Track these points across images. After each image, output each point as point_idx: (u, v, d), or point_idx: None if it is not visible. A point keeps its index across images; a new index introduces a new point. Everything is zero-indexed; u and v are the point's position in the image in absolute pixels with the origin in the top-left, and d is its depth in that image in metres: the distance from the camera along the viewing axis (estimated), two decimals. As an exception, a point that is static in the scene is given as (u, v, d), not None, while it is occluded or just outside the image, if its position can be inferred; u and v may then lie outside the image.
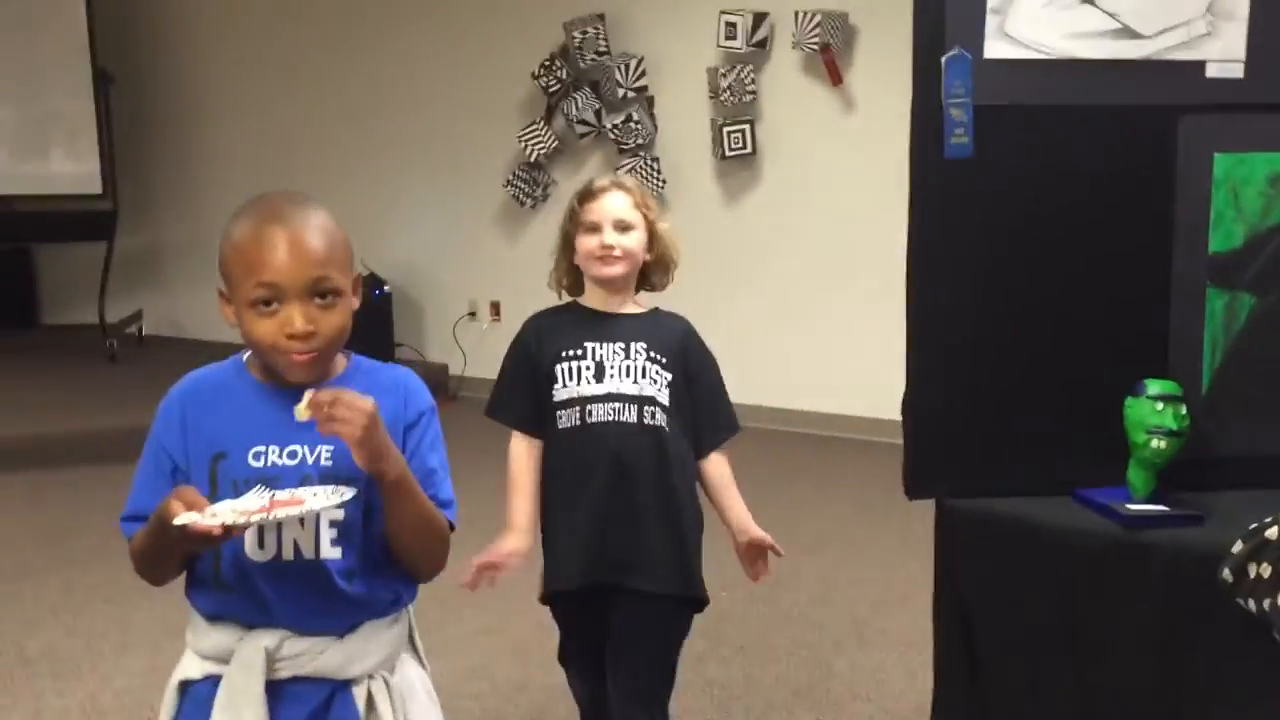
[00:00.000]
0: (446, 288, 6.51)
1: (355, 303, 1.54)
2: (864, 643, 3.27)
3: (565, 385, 2.13)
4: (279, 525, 1.47)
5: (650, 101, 5.72)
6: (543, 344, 2.17)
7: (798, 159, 5.47)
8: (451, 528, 1.58)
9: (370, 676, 1.55)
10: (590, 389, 2.12)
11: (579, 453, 2.13)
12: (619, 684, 2.17)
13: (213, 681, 1.51)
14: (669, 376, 2.15)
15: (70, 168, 6.86)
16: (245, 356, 1.58)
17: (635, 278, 2.20)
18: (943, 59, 1.90)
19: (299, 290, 1.44)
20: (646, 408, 2.12)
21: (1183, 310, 1.99)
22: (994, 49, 1.91)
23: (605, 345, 2.14)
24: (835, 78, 5.27)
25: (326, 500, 1.42)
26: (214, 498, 1.45)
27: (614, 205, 2.16)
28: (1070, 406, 1.97)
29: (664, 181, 5.66)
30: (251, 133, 6.98)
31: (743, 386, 6.03)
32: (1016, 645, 1.95)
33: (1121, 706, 1.87)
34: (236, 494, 1.45)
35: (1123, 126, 1.95)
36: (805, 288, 5.52)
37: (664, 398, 2.13)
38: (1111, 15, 1.93)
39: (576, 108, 5.78)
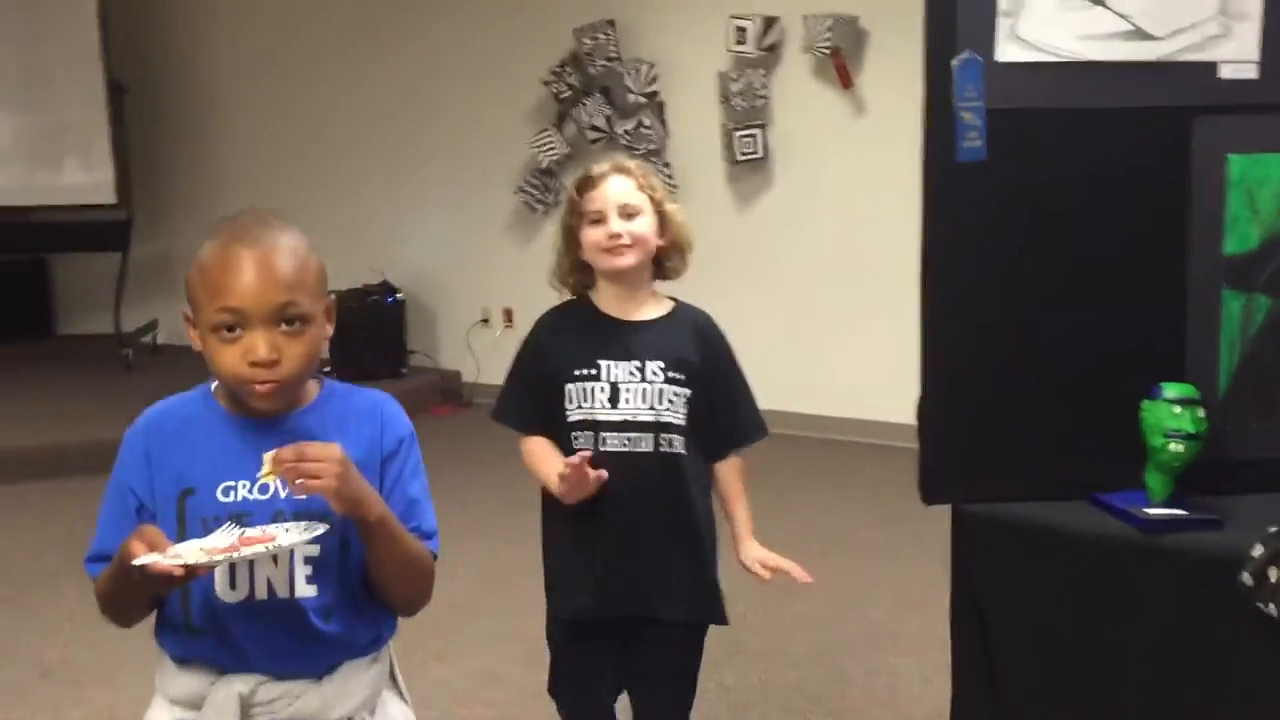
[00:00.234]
0: (459, 294, 6.52)
1: (328, 330, 1.47)
2: (880, 648, 3.26)
3: (579, 406, 2.03)
4: (251, 564, 1.40)
5: (661, 107, 5.72)
6: (554, 351, 2.07)
7: (809, 163, 5.47)
8: (435, 558, 1.52)
9: (351, 719, 1.49)
10: (604, 413, 2.02)
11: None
12: (646, 711, 2.14)
13: None
14: (688, 393, 2.04)
15: (84, 178, 6.88)
16: (213, 386, 1.51)
17: (649, 267, 2.08)
18: (954, 62, 1.89)
19: (264, 316, 1.38)
20: (663, 435, 2.03)
21: (1199, 313, 1.97)
22: (1005, 52, 1.90)
23: (620, 365, 2.03)
24: (846, 82, 5.27)
25: (298, 536, 1.36)
26: (182, 536, 1.39)
27: (617, 190, 2.03)
28: (1087, 410, 1.96)
29: (675, 187, 5.65)
30: (264, 141, 7.01)
31: (755, 391, 6.03)
32: (1034, 650, 1.94)
33: (1139, 711, 1.85)
34: (206, 532, 1.39)
35: (1136, 129, 1.94)
36: (817, 291, 5.51)
37: (681, 418, 2.04)
38: (1124, 17, 1.92)
39: (587, 114, 5.79)
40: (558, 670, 2.17)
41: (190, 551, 1.32)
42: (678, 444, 2.04)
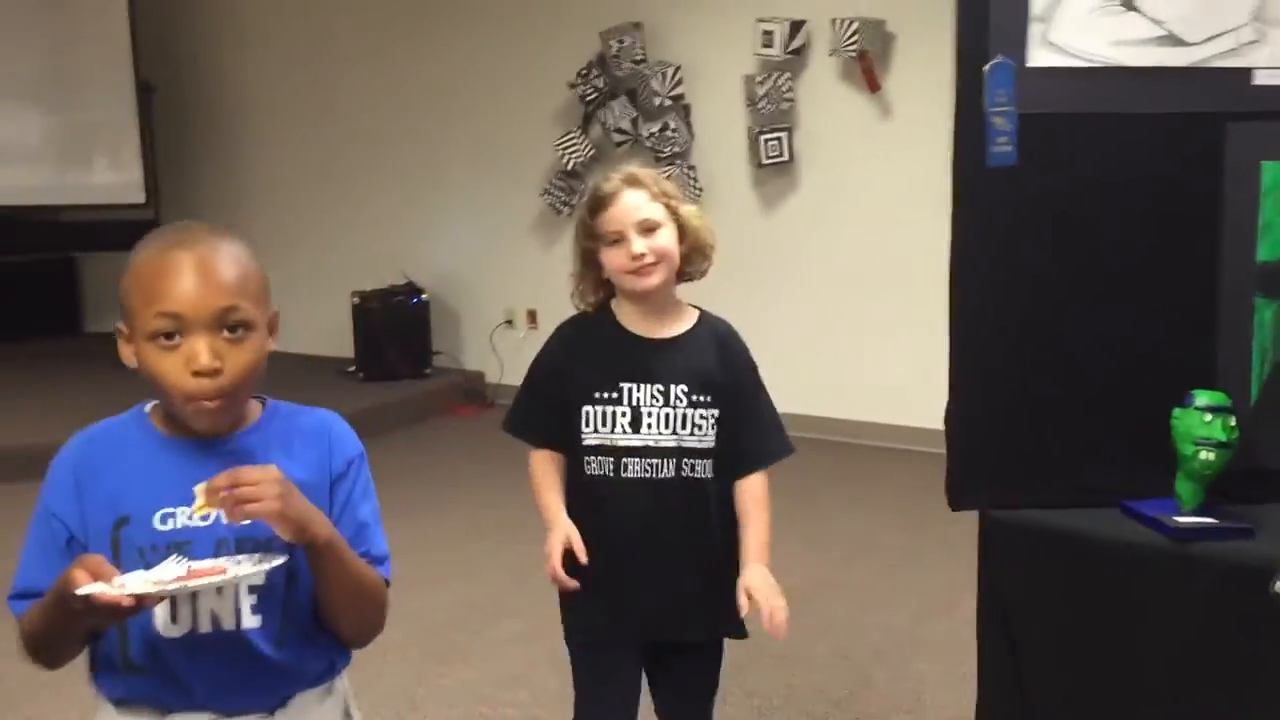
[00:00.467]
0: (483, 296, 6.54)
1: (271, 344, 1.39)
2: (905, 653, 3.25)
3: (596, 430, 1.96)
4: (193, 595, 1.32)
5: (687, 110, 5.72)
6: (573, 370, 1.99)
7: (835, 166, 5.46)
8: (387, 584, 1.45)
9: None
10: (624, 439, 1.95)
11: (609, 506, 1.97)
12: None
13: None
14: (715, 413, 1.97)
15: (113, 177, 6.95)
16: (148, 407, 1.42)
17: (673, 277, 1.99)
18: (986, 67, 1.88)
19: (205, 321, 1.30)
20: (685, 460, 1.96)
21: (1230, 320, 1.96)
22: (1037, 57, 1.90)
23: (643, 388, 1.95)
24: (872, 85, 5.25)
25: (252, 568, 1.28)
26: (119, 568, 1.29)
27: (632, 206, 1.93)
28: (1117, 417, 1.95)
29: (701, 190, 5.66)
30: (291, 142, 7.05)
31: (780, 394, 5.99)
32: (1062, 658, 1.93)
33: (1167, 718, 1.84)
34: (143, 563, 1.30)
35: (1169, 135, 1.93)
36: (843, 295, 5.50)
37: (708, 441, 1.97)
38: (1157, 23, 1.91)
39: (613, 116, 5.79)
40: (577, 688, 2.09)
41: (138, 582, 1.24)
42: (701, 468, 1.98)
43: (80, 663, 1.42)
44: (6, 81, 6.73)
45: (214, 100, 7.26)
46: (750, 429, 2.03)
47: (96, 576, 1.22)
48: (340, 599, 1.39)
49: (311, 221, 7.02)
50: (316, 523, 1.32)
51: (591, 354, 1.99)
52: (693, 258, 1.99)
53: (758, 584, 1.94)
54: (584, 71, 5.84)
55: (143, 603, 1.23)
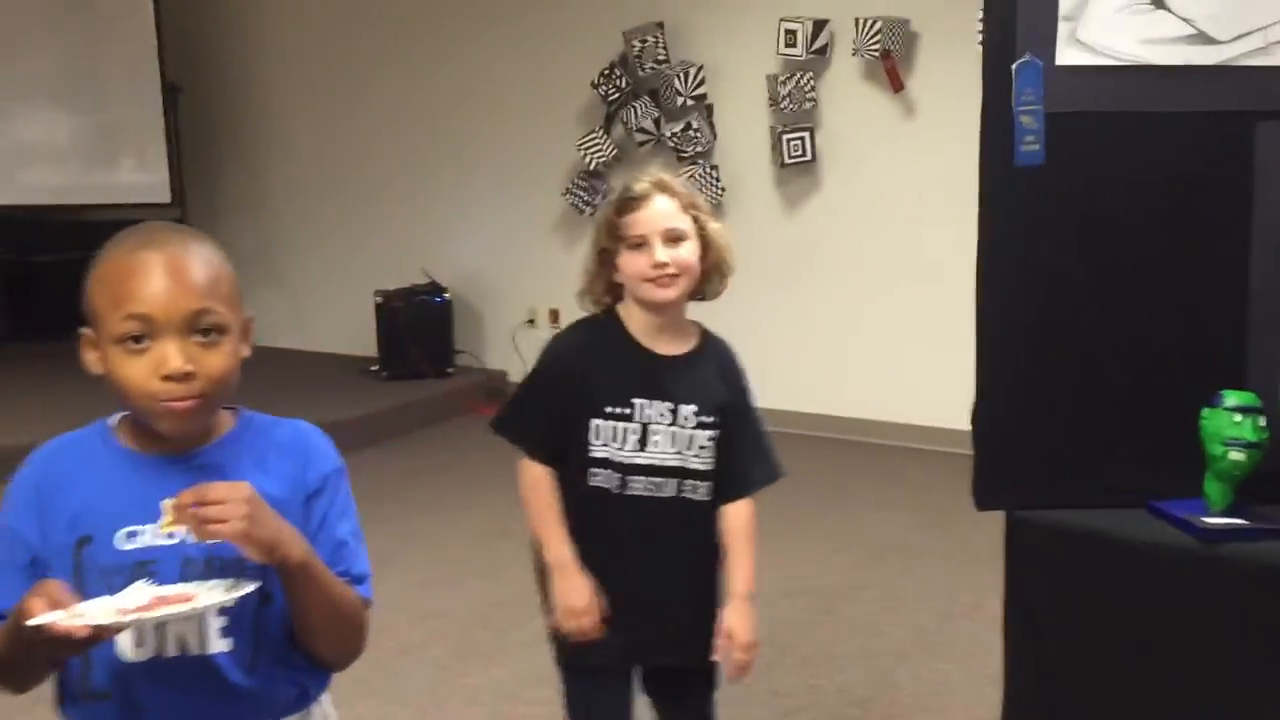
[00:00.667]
0: (506, 295, 6.56)
1: (245, 350, 1.32)
2: (929, 654, 3.24)
3: (604, 445, 1.91)
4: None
5: (709, 110, 5.72)
6: (584, 381, 1.91)
7: (857, 166, 5.44)
8: (368, 604, 1.39)
9: None
10: (630, 456, 1.91)
11: (608, 521, 1.93)
12: None
13: None
14: (715, 434, 1.94)
15: (139, 177, 6.99)
16: (113, 420, 1.36)
17: (689, 294, 1.93)
18: (1014, 66, 1.88)
19: (176, 323, 1.24)
20: (686, 481, 1.93)
21: (1260, 320, 1.95)
22: (1066, 55, 1.89)
23: (653, 405, 1.91)
24: (896, 85, 5.24)
25: (221, 596, 1.21)
26: (81, 589, 1.23)
27: (661, 213, 1.88)
28: (1145, 417, 1.94)
29: (723, 189, 5.65)
30: (316, 142, 7.08)
31: (803, 395, 5.99)
32: (1088, 659, 1.93)
33: (1195, 721, 1.84)
34: (106, 583, 1.24)
35: (1198, 134, 1.92)
36: (865, 296, 5.49)
37: (708, 463, 1.94)
38: (1186, 21, 1.90)
39: (636, 116, 5.80)
40: (571, 713, 2.04)
41: (97, 610, 1.17)
42: (700, 490, 1.95)
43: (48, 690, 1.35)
44: (33, 82, 6.78)
45: (240, 100, 7.30)
46: (743, 453, 1.99)
47: (54, 604, 1.15)
48: (316, 621, 1.32)
49: (335, 221, 7.05)
50: (288, 543, 1.24)
51: (605, 365, 1.93)
52: (711, 276, 1.94)
53: (738, 630, 1.94)
54: (606, 71, 5.85)
55: (100, 634, 1.16)
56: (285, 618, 1.32)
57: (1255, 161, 1.92)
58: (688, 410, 1.92)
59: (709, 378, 1.96)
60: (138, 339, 1.24)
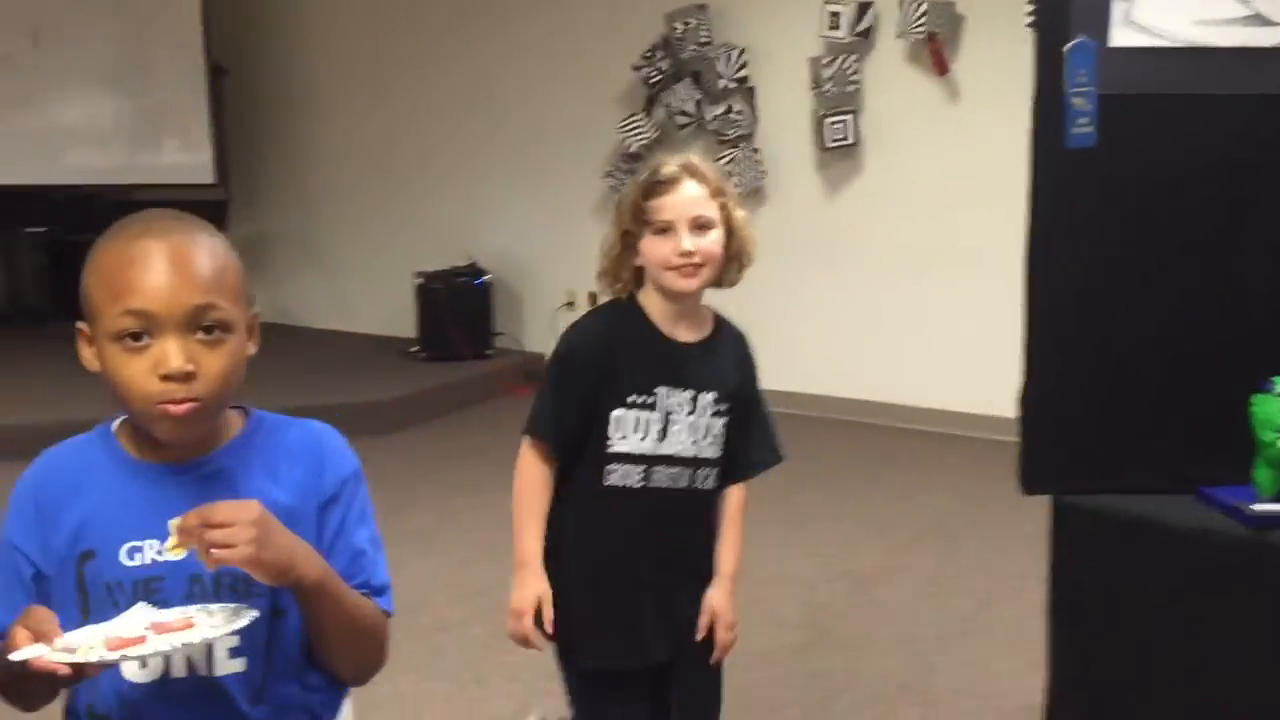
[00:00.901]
0: (545, 277, 6.57)
1: (252, 348, 1.24)
2: (969, 638, 3.24)
3: (624, 437, 1.85)
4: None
5: (751, 92, 5.70)
6: (607, 371, 1.86)
7: (900, 150, 5.40)
8: (389, 616, 1.31)
9: None
10: (651, 447, 1.86)
11: (627, 519, 1.88)
12: None
13: None
14: (726, 420, 1.92)
15: (184, 159, 7.06)
16: (115, 424, 1.27)
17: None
18: (1066, 47, 1.86)
19: (177, 320, 1.14)
20: (700, 470, 1.90)
21: (1314, 305, 1.92)
22: (1120, 37, 1.87)
23: (675, 395, 1.86)
24: (941, 67, 5.19)
25: (224, 627, 1.13)
26: (85, 606, 1.18)
27: (689, 199, 1.81)
28: (1194, 402, 1.92)
29: (764, 173, 5.64)
30: (359, 124, 7.11)
31: (843, 380, 5.97)
32: (1133, 646, 1.91)
33: (1240, 711, 1.82)
34: (112, 600, 1.18)
35: (1252, 116, 1.89)
36: (905, 280, 5.46)
37: (719, 450, 1.92)
38: (1243, 2, 1.87)
39: (677, 99, 5.78)
40: (585, 713, 1.99)
41: (85, 643, 1.09)
42: (710, 479, 1.93)
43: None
44: (81, 64, 6.86)
45: (284, 83, 7.35)
46: (750, 438, 1.97)
47: (39, 636, 1.08)
48: (334, 640, 1.24)
49: (377, 202, 7.08)
50: (301, 564, 1.16)
51: (629, 353, 1.87)
52: (730, 266, 1.88)
53: (723, 610, 1.95)
54: (648, 54, 5.83)
55: (84, 673, 1.09)
56: (300, 633, 1.24)
57: (1312, 145, 1.89)
58: (707, 398, 1.89)
59: (725, 364, 1.94)
60: (136, 336, 1.15)
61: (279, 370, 5.38)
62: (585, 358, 1.89)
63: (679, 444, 1.88)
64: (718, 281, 1.89)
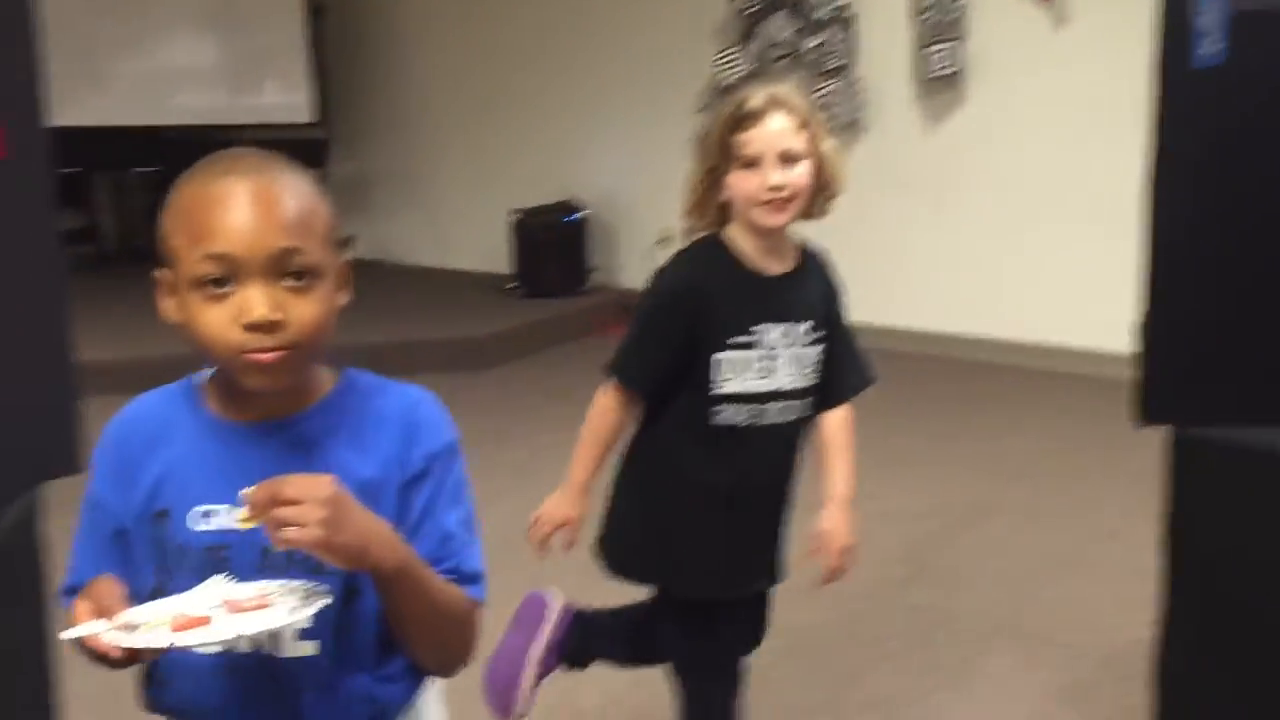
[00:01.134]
0: (640, 214, 6.55)
1: (343, 298, 1.15)
2: (1071, 574, 3.20)
3: (730, 379, 1.84)
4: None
5: (849, 22, 5.57)
6: (706, 312, 1.84)
7: (1005, 79, 5.25)
8: (479, 605, 1.20)
9: None
10: (759, 384, 1.85)
11: (734, 455, 1.88)
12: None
13: None
14: (823, 347, 1.92)
15: (284, 98, 7.16)
16: (201, 377, 1.20)
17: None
18: (1194, -38, 1.78)
19: (261, 265, 1.06)
20: (806, 400, 1.91)
21: None
22: (1253, -52, 1.78)
23: (773, 329, 1.85)
24: (1048, -8, 5.02)
25: (289, 617, 1.05)
26: (163, 568, 1.13)
27: (777, 132, 1.77)
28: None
29: (863, 105, 5.53)
30: (456, 62, 7.13)
31: (945, 314, 5.88)
32: (1254, 586, 1.86)
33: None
34: (183, 563, 1.13)
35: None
36: (1012, 213, 5.33)
37: (817, 378, 1.91)
38: (1388, -92, 1.77)
39: (774, 29, 5.68)
40: (687, 637, 2.02)
41: (151, 619, 1.04)
42: (809, 407, 1.91)
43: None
44: (186, 6, 6.98)
45: (383, 21, 7.39)
46: (844, 360, 1.96)
47: (100, 611, 1.04)
48: (415, 630, 1.15)
49: (474, 139, 7.12)
50: (378, 549, 1.07)
51: (722, 296, 1.85)
52: (819, 197, 1.85)
53: (838, 533, 1.93)
54: (745, -15, 5.74)
55: (138, 656, 1.04)
56: (376, 616, 1.15)
57: None
58: (804, 327, 1.88)
59: (815, 291, 1.93)
60: (219, 282, 1.07)
61: (379, 307, 5.48)
62: (676, 304, 1.87)
63: (786, 377, 1.88)
64: (806, 213, 1.86)
